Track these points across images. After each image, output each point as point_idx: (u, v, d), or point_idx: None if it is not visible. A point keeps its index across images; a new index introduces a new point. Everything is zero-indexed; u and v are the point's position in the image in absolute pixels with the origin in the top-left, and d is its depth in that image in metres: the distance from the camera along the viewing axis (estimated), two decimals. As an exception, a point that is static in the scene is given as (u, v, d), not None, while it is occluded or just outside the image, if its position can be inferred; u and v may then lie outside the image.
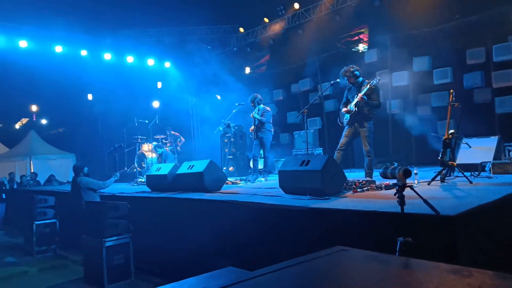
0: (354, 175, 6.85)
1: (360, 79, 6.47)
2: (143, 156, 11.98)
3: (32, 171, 15.39)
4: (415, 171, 5.36)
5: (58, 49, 13.58)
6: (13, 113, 19.20)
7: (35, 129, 18.20)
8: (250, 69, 15.38)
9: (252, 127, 8.51)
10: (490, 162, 6.52)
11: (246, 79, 15.04)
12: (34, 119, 20.06)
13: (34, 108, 18.93)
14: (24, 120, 20.65)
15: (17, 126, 20.57)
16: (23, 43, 12.83)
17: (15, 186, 13.71)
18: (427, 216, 3.00)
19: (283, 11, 13.54)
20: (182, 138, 13.18)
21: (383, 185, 5.15)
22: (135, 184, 9.80)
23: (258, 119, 8.32)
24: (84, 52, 14.20)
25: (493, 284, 1.21)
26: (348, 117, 6.42)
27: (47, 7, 11.91)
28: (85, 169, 7.45)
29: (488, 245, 3.23)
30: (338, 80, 6.91)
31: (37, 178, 14.36)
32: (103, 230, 5.56)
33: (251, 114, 8.46)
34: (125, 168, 13.11)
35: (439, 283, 1.30)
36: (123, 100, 14.06)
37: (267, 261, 1.73)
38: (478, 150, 7.15)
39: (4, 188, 13.79)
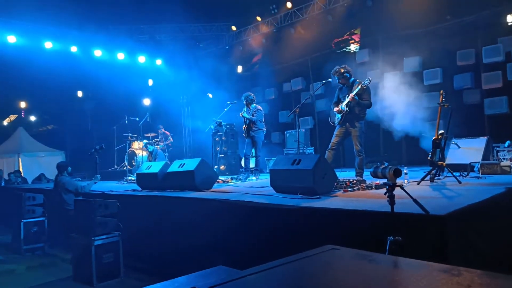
0: (344, 174, 6.89)
1: (352, 79, 6.50)
2: (133, 154, 11.89)
3: (20, 168, 15.20)
4: (405, 171, 5.39)
5: (48, 45, 13.39)
6: (1, 109, 18.92)
7: (23, 126, 17.95)
8: (242, 68, 15.35)
9: (244, 125, 8.51)
10: (479, 162, 6.60)
11: (238, 78, 15.01)
12: (23, 115, 19.80)
13: (22, 104, 18.68)
14: (13, 117, 20.37)
15: (5, 122, 20.28)
16: (11, 38, 12.61)
17: (3, 184, 13.51)
18: (417, 216, 3.02)
19: (275, 10, 13.54)
20: (171, 138, 13.13)
21: (373, 185, 5.18)
22: (125, 182, 9.73)
23: (247, 118, 8.32)
24: (74, 48, 14.01)
25: (482, 283, 1.22)
26: (340, 117, 6.45)
27: (37, 1, 11.74)
28: (69, 168, 7.33)
29: (477, 245, 3.27)
30: (329, 79, 6.94)
31: (23, 176, 14.18)
32: (92, 228, 5.51)
33: (241, 113, 8.47)
34: (115, 166, 13.02)
35: (428, 282, 1.30)
36: (113, 98, 13.95)
37: (258, 260, 1.73)
38: (467, 150, 7.24)
39: (-9, 185, 13.57)
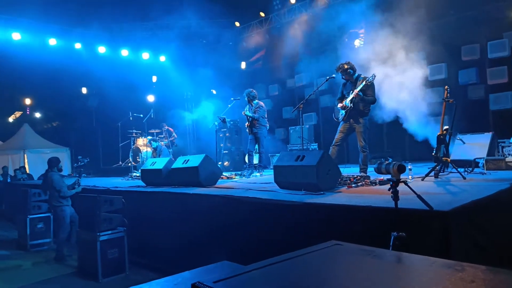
0: (348, 170, 6.88)
1: (356, 74, 6.48)
2: (137, 151, 11.94)
3: (26, 165, 15.30)
4: (409, 167, 5.38)
5: (52, 41, 13.43)
6: (6, 106, 19.05)
7: (28, 122, 18.06)
8: (246, 64, 15.33)
9: (247, 123, 8.51)
10: (483, 158, 6.57)
11: (241, 74, 14.99)
12: (28, 112, 19.90)
13: (27, 101, 18.78)
14: (18, 114, 20.49)
15: (10, 119, 20.41)
16: (16, 36, 12.67)
17: (8, 180, 13.62)
18: (421, 212, 3.02)
19: (279, 6, 13.49)
20: (175, 134, 13.16)
21: (377, 181, 5.18)
22: (130, 179, 9.77)
23: (250, 117, 8.33)
24: (78, 45, 14.06)
25: (486, 279, 1.22)
26: (344, 113, 6.43)
27: (41, -1, 11.78)
28: (60, 164, 7.31)
29: (481, 240, 3.26)
30: (333, 75, 6.91)
31: (28, 172, 14.28)
32: (97, 224, 5.55)
33: (243, 112, 8.47)
34: (120, 163, 13.08)
35: (431, 277, 1.31)
36: (117, 94, 13.99)
37: (262, 256, 1.74)
38: (472, 146, 7.21)
39: (-3, 182, 13.68)
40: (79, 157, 7.88)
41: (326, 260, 1.60)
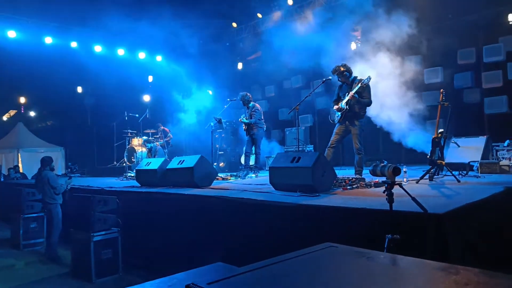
0: (344, 172, 6.89)
1: (352, 77, 6.49)
2: (133, 151, 11.89)
3: (20, 164, 15.20)
4: (404, 169, 5.40)
5: (48, 40, 13.37)
6: (0, 104, 18.92)
7: (23, 121, 17.94)
8: (243, 65, 15.33)
9: (244, 126, 8.53)
10: (478, 161, 6.60)
11: (238, 75, 14.98)
12: (22, 111, 19.78)
13: (22, 100, 18.66)
14: (12, 112, 20.36)
15: (4, 118, 20.27)
16: (11, 34, 12.59)
17: (2, 179, 13.51)
18: (415, 214, 3.03)
19: (276, 7, 13.51)
20: (170, 134, 13.14)
21: (372, 183, 5.18)
22: (125, 179, 9.73)
23: (247, 123, 8.35)
24: (74, 44, 14.00)
25: (480, 282, 1.22)
26: (339, 115, 6.44)
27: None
28: (52, 164, 7.35)
29: (475, 243, 3.27)
30: (329, 77, 6.93)
31: (22, 171, 14.19)
32: (91, 224, 5.52)
33: (239, 119, 8.50)
34: (114, 163, 13.02)
35: (426, 280, 1.31)
36: (113, 94, 13.95)
37: (256, 257, 1.73)
38: (467, 149, 7.24)
39: (-9, 180, 13.58)
40: (69, 163, 7.90)
41: (321, 262, 1.60)
